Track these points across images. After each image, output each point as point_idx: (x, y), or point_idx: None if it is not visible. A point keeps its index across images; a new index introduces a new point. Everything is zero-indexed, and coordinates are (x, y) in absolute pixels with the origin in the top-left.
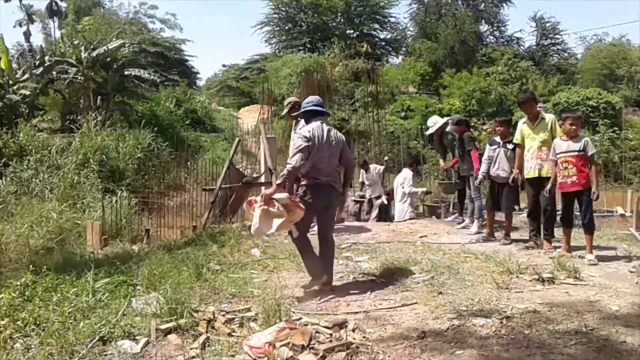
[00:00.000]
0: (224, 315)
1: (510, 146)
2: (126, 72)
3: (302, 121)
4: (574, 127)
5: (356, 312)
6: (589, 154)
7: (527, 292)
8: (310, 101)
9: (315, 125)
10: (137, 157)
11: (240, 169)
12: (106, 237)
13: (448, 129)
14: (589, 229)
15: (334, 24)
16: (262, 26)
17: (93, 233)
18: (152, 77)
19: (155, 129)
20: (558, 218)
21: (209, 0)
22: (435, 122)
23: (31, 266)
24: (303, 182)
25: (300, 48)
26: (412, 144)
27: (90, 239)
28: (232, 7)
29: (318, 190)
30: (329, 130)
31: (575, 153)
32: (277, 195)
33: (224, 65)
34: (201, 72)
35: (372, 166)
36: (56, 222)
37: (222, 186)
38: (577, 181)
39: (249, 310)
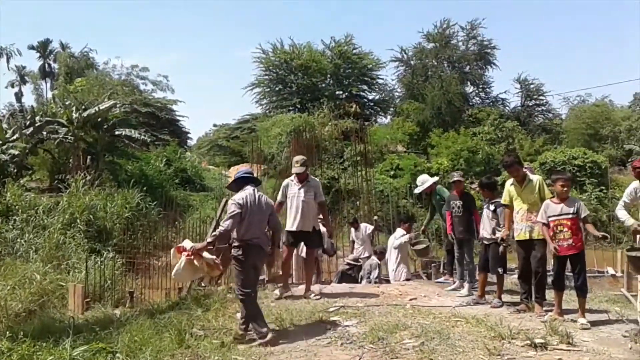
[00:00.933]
0: None
1: (492, 207)
2: (117, 132)
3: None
4: (565, 189)
5: None
6: (582, 216)
7: (519, 359)
8: (241, 171)
9: (248, 192)
10: (125, 217)
11: None
12: (89, 300)
13: (454, 179)
14: (582, 292)
15: (323, 85)
16: (252, 87)
17: (75, 296)
18: (142, 136)
19: (145, 188)
20: (549, 280)
21: (201, 61)
22: (424, 181)
23: (8, 332)
24: (236, 243)
25: (290, 108)
26: (401, 202)
27: (71, 303)
28: (224, 68)
29: (249, 250)
30: (259, 197)
31: (570, 216)
32: (206, 254)
33: (214, 125)
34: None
35: (362, 225)
36: (39, 283)
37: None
38: (572, 244)
39: None
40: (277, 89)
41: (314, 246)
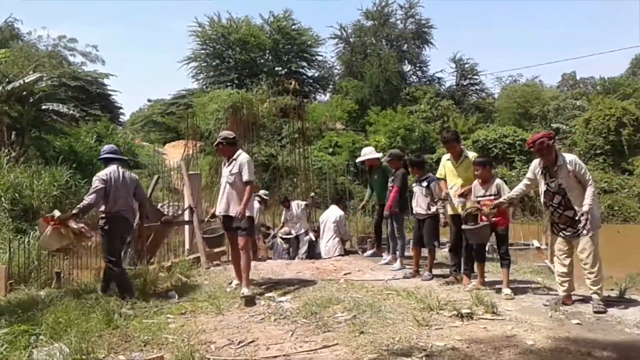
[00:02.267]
0: None
1: (424, 184)
2: (43, 107)
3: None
4: (478, 172)
5: (275, 356)
6: (503, 196)
7: (446, 329)
8: (105, 150)
9: (111, 169)
10: (53, 195)
11: (164, 207)
12: (12, 282)
13: (384, 160)
14: (506, 264)
15: (262, 61)
16: (189, 61)
17: None
18: (71, 111)
19: (74, 165)
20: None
21: (134, 34)
22: (368, 153)
23: None
24: (102, 215)
25: (228, 84)
26: (340, 179)
27: None
28: (158, 42)
29: (115, 221)
30: (123, 173)
31: (492, 197)
32: (72, 223)
33: (149, 100)
34: (125, 106)
35: (294, 203)
36: None
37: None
38: (499, 220)
39: (161, 358)
40: (214, 63)
41: (244, 234)
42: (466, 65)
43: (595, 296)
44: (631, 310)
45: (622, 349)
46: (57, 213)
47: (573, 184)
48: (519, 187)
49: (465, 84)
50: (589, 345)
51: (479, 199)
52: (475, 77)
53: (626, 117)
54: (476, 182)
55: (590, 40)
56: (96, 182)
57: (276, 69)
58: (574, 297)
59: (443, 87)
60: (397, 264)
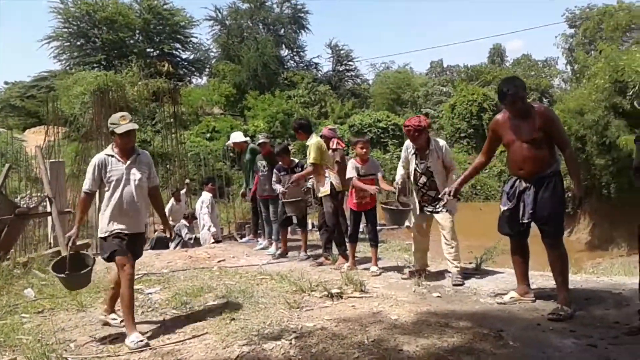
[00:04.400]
0: None
1: (298, 170)
2: None
3: None
4: (364, 150)
5: (141, 351)
6: (379, 175)
7: (317, 310)
8: None
9: None
10: None
11: (25, 199)
12: None
13: (259, 142)
14: (375, 243)
15: (132, 41)
16: (50, 40)
17: None
18: None
19: None
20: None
21: None
22: (235, 138)
23: None
24: None
25: (95, 65)
26: (218, 165)
27: None
28: (14, 18)
29: None
30: None
31: (371, 177)
32: None
33: (6, 83)
34: None
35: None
36: None
37: None
38: (369, 201)
39: None
40: (78, 43)
41: (139, 254)
42: (342, 52)
43: (454, 269)
44: (486, 281)
45: (477, 318)
46: None
47: (439, 168)
48: (400, 170)
49: (341, 69)
50: (447, 316)
51: (360, 177)
52: (351, 63)
53: (486, 103)
54: (353, 161)
55: (457, 31)
56: None
57: (148, 50)
58: (435, 271)
59: (320, 72)
60: (273, 248)
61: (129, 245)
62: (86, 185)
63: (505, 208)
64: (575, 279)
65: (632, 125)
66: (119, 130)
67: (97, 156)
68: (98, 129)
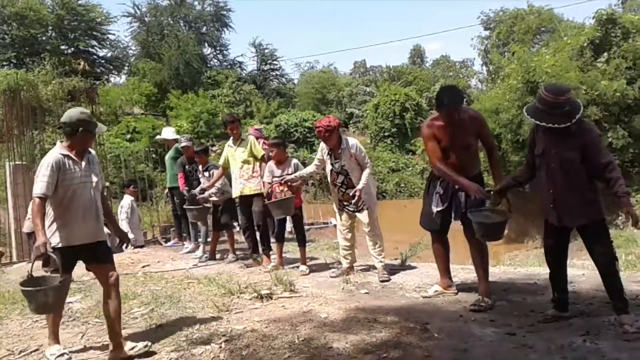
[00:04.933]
0: None
1: (207, 174)
2: None
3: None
4: (272, 153)
5: None
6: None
7: (246, 312)
8: None
9: None
10: None
11: None
12: None
13: (182, 145)
14: (302, 242)
15: (44, 38)
16: None
17: None
18: None
19: None
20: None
21: None
22: (167, 133)
23: None
24: None
25: (5, 63)
26: (140, 167)
27: None
28: None
29: None
30: None
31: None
32: None
33: None
34: None
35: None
36: None
37: None
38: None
39: None
40: None
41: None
42: (266, 51)
43: (380, 266)
44: (411, 276)
45: (403, 312)
46: None
47: (354, 166)
48: (310, 167)
49: (266, 69)
50: (375, 312)
51: (276, 179)
52: (275, 62)
53: (408, 103)
54: (272, 163)
55: (379, 31)
56: None
57: (62, 47)
58: (363, 267)
59: (245, 71)
60: (200, 251)
61: (89, 256)
62: (41, 189)
63: (439, 209)
64: (494, 271)
65: None
66: (99, 130)
67: (51, 155)
68: (9, 130)
